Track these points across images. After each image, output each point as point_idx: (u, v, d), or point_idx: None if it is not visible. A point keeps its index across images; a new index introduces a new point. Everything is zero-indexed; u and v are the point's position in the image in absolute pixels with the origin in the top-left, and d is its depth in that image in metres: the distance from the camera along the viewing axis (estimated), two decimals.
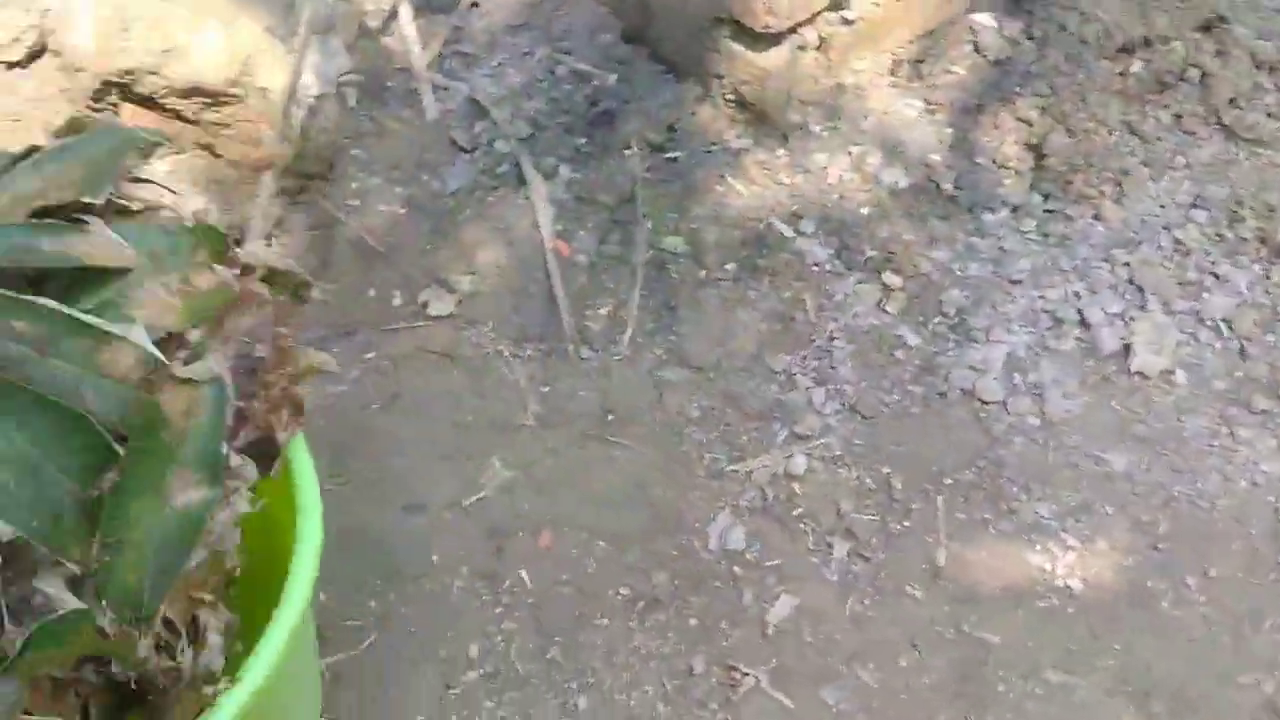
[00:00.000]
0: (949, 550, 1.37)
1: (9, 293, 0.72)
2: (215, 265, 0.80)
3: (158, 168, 1.66)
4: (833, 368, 1.54)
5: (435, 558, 1.35)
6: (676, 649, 1.29)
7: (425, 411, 1.47)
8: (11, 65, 1.82)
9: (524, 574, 1.34)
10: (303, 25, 1.53)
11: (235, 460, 0.79)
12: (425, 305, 1.54)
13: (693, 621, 1.31)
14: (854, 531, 1.38)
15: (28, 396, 0.70)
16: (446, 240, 1.57)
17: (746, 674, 1.27)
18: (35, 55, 1.73)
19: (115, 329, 0.73)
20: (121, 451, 0.72)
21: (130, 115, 1.66)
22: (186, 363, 0.78)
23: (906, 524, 1.39)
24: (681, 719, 1.25)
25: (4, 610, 0.68)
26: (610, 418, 1.49)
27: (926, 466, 1.44)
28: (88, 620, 0.70)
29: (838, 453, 1.46)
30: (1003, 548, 1.38)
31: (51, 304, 0.73)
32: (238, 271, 0.82)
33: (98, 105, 1.66)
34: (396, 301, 1.56)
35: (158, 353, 0.74)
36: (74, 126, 0.88)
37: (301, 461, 0.88)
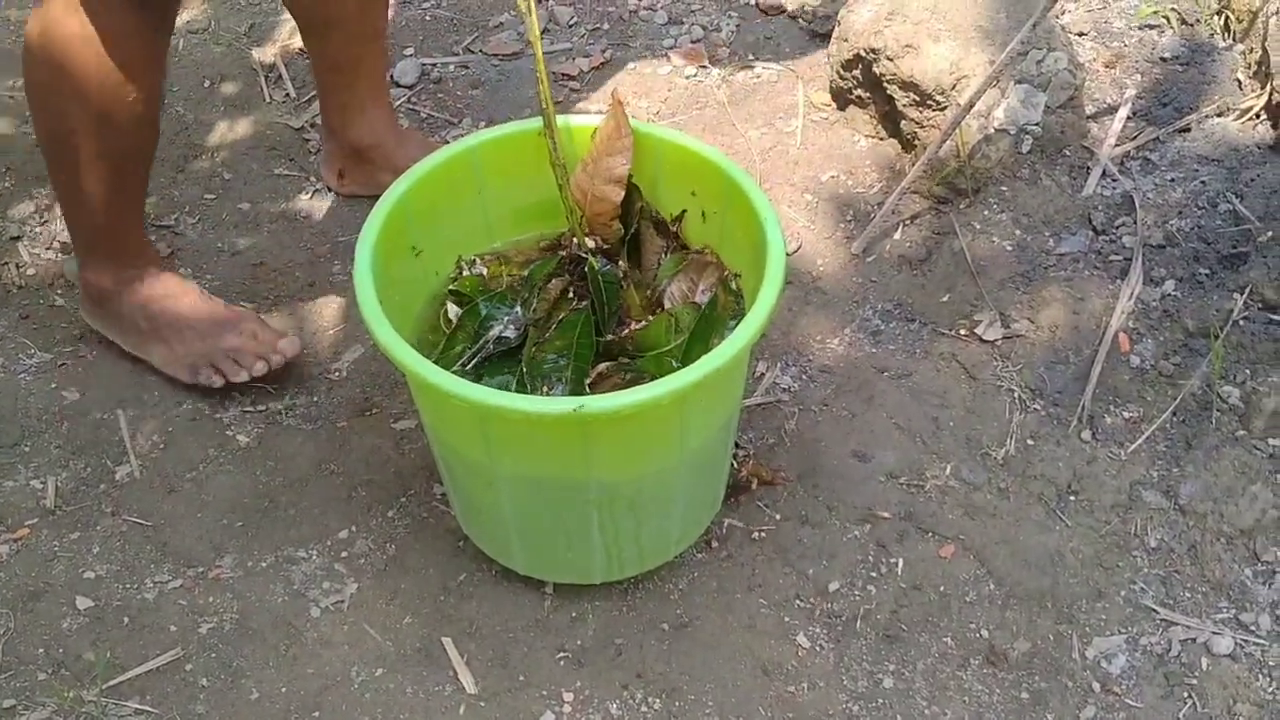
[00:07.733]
0: None
1: None
2: None
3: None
4: None
5: None
6: None
7: (912, 401, 1.64)
8: (814, 35, 2.27)
9: None
10: (1005, 67, 1.75)
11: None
12: (977, 324, 1.70)
13: None
14: None
15: None
16: (1028, 285, 1.71)
17: None
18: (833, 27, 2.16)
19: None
20: None
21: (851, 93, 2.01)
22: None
23: None
24: None
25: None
26: (1071, 497, 1.54)
27: None
28: None
29: (1261, 655, 1.39)
30: None
31: None
32: None
33: (845, 73, 2.02)
34: (956, 307, 1.73)
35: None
36: None
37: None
